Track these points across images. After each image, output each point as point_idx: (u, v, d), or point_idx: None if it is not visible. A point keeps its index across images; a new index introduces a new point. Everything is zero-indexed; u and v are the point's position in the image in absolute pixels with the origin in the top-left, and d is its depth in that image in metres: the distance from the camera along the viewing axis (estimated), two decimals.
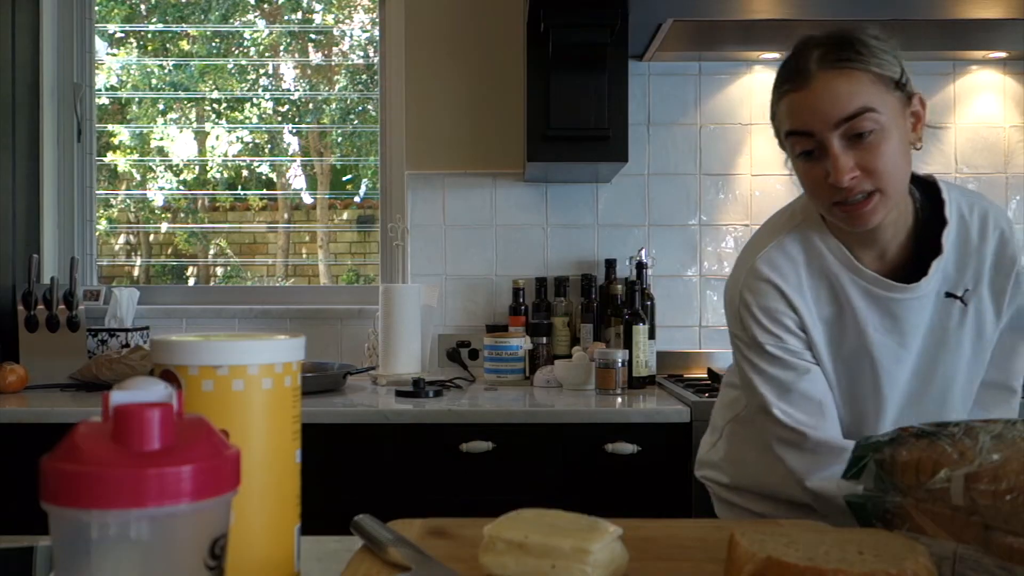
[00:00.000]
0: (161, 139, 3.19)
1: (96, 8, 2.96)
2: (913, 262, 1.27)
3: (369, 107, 3.10)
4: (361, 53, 3.17)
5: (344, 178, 3.28)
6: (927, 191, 1.29)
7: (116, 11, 3.14)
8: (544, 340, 2.65)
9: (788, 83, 1.18)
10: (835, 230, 1.27)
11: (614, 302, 2.57)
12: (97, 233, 2.97)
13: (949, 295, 1.26)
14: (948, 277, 1.27)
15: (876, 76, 1.14)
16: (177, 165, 3.21)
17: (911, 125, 1.20)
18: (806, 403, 1.25)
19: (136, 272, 3.17)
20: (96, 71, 2.97)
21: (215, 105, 3.24)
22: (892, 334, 1.26)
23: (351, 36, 3.20)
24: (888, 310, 1.26)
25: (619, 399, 2.24)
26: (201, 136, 3.21)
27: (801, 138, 1.17)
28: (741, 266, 1.32)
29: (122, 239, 3.24)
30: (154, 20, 3.16)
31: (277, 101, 3.22)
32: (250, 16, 3.26)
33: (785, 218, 1.33)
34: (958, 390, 1.31)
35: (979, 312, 1.28)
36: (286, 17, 3.20)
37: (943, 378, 1.30)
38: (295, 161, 3.24)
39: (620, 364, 2.30)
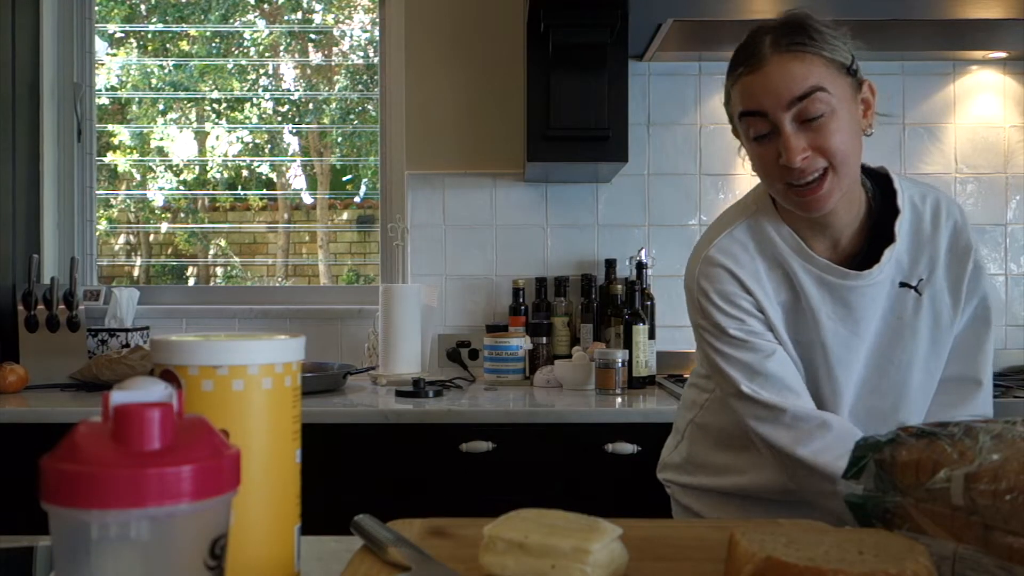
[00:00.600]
0: (161, 139, 3.19)
1: (96, 8, 2.96)
2: (866, 251, 1.29)
3: (369, 107, 3.10)
4: (361, 53, 3.17)
5: (344, 178, 3.28)
6: (879, 182, 1.31)
7: (116, 11, 3.14)
8: (544, 340, 2.65)
9: (742, 66, 1.21)
10: (788, 218, 1.29)
11: (614, 302, 2.57)
12: (97, 233, 2.97)
13: (904, 285, 1.28)
14: (902, 267, 1.28)
15: (827, 60, 1.17)
16: (177, 165, 3.21)
17: (862, 111, 1.22)
18: (776, 382, 1.27)
19: (136, 272, 3.17)
20: (96, 71, 2.97)
21: (215, 105, 3.24)
22: (845, 322, 1.28)
23: (351, 36, 3.20)
24: (841, 298, 1.27)
25: (619, 399, 2.24)
26: (201, 136, 3.21)
27: (755, 119, 1.19)
28: (696, 256, 1.35)
29: (122, 239, 3.24)
30: (154, 20, 3.16)
31: (277, 101, 3.22)
32: (250, 16, 3.26)
33: (738, 209, 1.36)
34: (915, 383, 1.31)
35: (935, 302, 1.29)
36: (286, 17, 3.20)
37: (899, 368, 1.31)
38: (295, 161, 3.24)
39: (620, 364, 2.30)
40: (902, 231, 1.27)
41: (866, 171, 1.31)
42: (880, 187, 1.31)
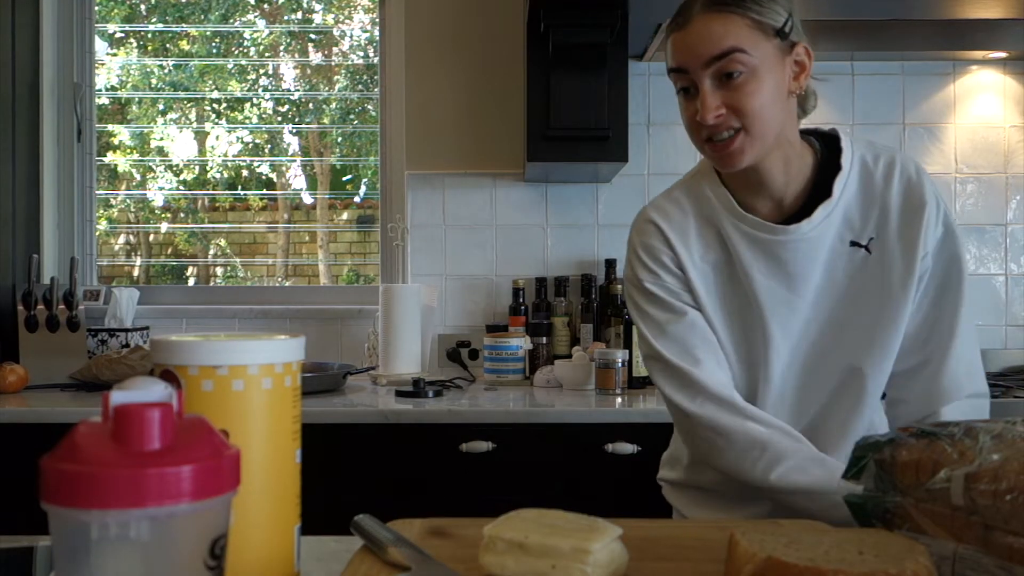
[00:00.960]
0: (161, 139, 3.19)
1: (96, 8, 2.96)
2: (809, 211, 1.27)
3: (369, 107, 3.10)
4: (361, 53, 3.17)
5: (344, 178, 3.28)
6: (830, 143, 1.30)
7: (116, 11, 3.14)
8: (544, 340, 2.65)
9: (673, 23, 1.23)
10: (728, 179, 1.30)
11: (614, 302, 2.57)
12: (97, 233, 2.97)
13: (854, 244, 1.26)
14: (852, 226, 1.26)
15: (753, 21, 1.17)
16: (177, 165, 3.21)
17: (792, 74, 1.22)
18: (680, 346, 1.28)
19: (136, 272, 3.17)
20: (96, 71, 2.97)
21: (215, 105, 3.24)
22: (778, 278, 1.27)
23: (351, 36, 3.20)
24: (773, 254, 1.26)
25: (619, 399, 2.24)
26: (201, 136, 3.21)
27: (679, 75, 1.22)
28: (637, 215, 1.38)
29: (122, 239, 3.24)
30: (154, 20, 3.16)
31: (277, 101, 3.22)
32: (250, 16, 3.26)
33: (687, 173, 1.39)
34: (864, 345, 1.27)
35: (886, 262, 1.26)
36: (286, 17, 3.20)
37: (846, 330, 1.27)
38: (295, 161, 3.24)
39: (620, 364, 2.30)
40: (848, 189, 1.26)
41: (817, 134, 1.31)
42: (830, 148, 1.30)
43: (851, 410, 1.29)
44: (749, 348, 1.31)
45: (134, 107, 3.19)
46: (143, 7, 3.15)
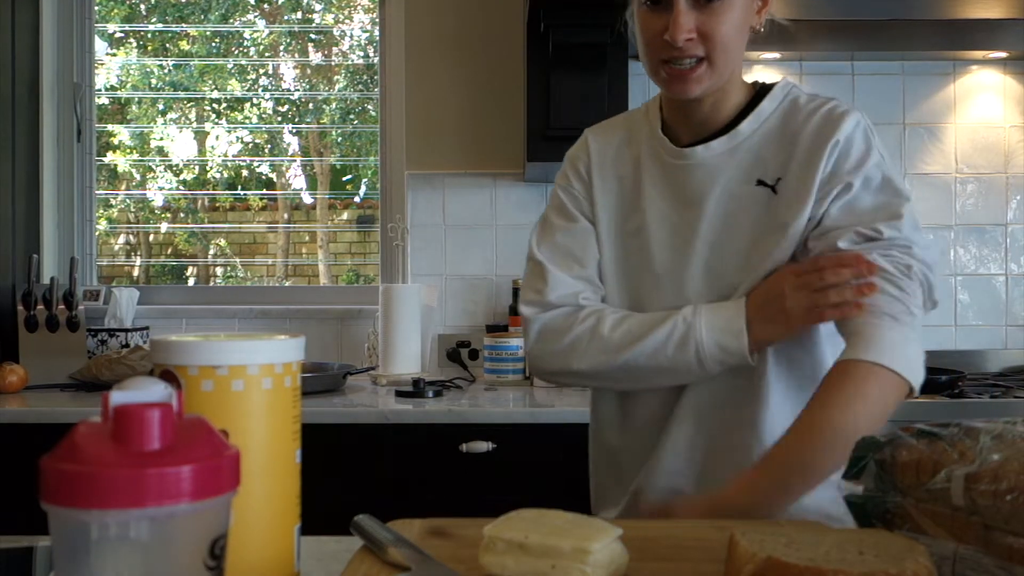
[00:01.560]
0: (161, 139, 3.19)
1: (96, 8, 2.96)
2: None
3: (369, 107, 3.10)
4: (361, 53, 3.17)
5: (344, 178, 3.28)
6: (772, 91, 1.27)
7: (116, 11, 3.14)
8: None
9: None
10: (666, 111, 1.28)
11: None
12: (97, 233, 2.97)
13: (761, 183, 1.20)
14: (764, 165, 1.20)
15: None
16: (177, 165, 3.21)
17: (756, 7, 1.21)
18: (561, 253, 1.28)
19: (136, 272, 3.18)
20: (96, 71, 2.97)
21: (215, 105, 3.24)
22: (669, 200, 1.24)
23: (351, 36, 3.20)
24: (671, 176, 1.24)
25: None
26: (201, 136, 3.21)
27: None
28: None
29: (122, 239, 3.24)
30: (154, 20, 3.16)
31: (277, 101, 3.22)
32: (250, 16, 3.26)
33: None
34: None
35: (790, 203, 1.17)
36: (286, 17, 3.21)
37: (736, 272, 1.19)
38: (295, 161, 3.24)
39: None
40: (765, 129, 1.21)
41: (763, 87, 1.27)
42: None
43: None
44: (631, 274, 1.27)
45: (134, 107, 3.19)
46: (143, 7, 3.15)
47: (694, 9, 1.14)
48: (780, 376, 1.19)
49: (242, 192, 3.24)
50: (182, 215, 3.22)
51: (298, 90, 3.22)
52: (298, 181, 3.29)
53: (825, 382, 1.11)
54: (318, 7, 3.15)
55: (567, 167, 1.34)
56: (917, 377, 1.11)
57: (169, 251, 3.30)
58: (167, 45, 3.20)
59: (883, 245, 1.13)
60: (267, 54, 3.24)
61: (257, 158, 3.19)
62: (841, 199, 1.15)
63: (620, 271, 1.28)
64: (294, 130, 3.19)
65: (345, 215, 3.26)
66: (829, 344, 1.20)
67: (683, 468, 1.22)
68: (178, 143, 3.20)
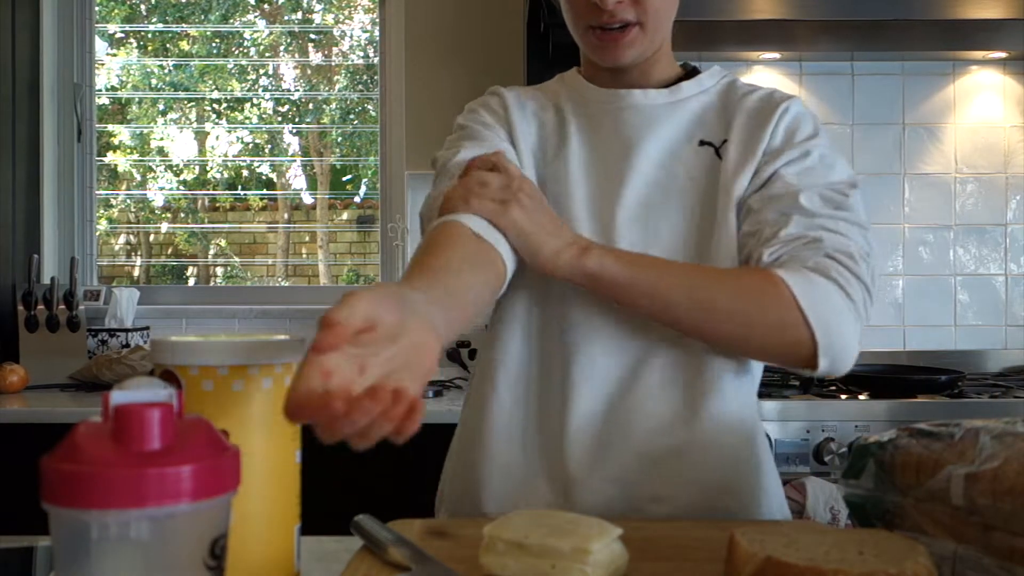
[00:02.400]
0: (161, 139, 3.19)
1: (96, 8, 2.96)
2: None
3: (369, 107, 3.10)
4: (361, 53, 3.17)
5: (344, 178, 3.28)
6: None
7: (116, 11, 3.14)
8: None
9: None
10: (589, 76, 1.19)
11: None
12: (97, 233, 2.97)
13: (705, 143, 1.10)
14: (706, 126, 1.11)
15: None
16: (177, 165, 3.21)
17: None
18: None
19: (136, 272, 3.18)
20: (96, 71, 2.97)
21: (215, 105, 3.25)
22: (596, 147, 1.12)
23: (351, 36, 3.20)
24: (599, 120, 1.14)
25: None
26: (201, 136, 3.21)
27: None
28: None
29: (122, 239, 3.24)
30: (154, 20, 3.16)
31: (277, 101, 3.22)
32: (250, 16, 3.26)
33: None
34: (681, 252, 1.07)
35: (735, 168, 1.08)
36: (286, 17, 3.21)
37: (667, 233, 1.07)
38: (295, 161, 3.24)
39: None
40: (705, 97, 1.14)
41: (695, 67, 1.19)
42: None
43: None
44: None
45: (134, 107, 3.19)
46: (143, 7, 3.15)
47: None
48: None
49: (242, 192, 3.24)
50: (182, 215, 3.22)
51: (298, 90, 3.22)
52: (298, 181, 3.29)
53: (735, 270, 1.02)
54: (318, 7, 3.15)
55: (476, 104, 1.20)
56: (832, 349, 0.96)
57: (169, 251, 3.30)
58: (167, 45, 3.20)
59: (848, 217, 1.03)
60: (267, 54, 3.24)
61: (257, 158, 3.19)
62: (798, 164, 1.06)
63: None
64: (294, 130, 3.19)
65: (345, 215, 3.26)
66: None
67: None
68: (178, 143, 3.20)
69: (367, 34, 3.13)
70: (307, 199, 3.28)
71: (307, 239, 3.24)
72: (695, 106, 1.13)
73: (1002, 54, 2.70)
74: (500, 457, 1.09)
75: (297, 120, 3.20)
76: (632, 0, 1.06)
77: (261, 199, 3.28)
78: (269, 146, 3.18)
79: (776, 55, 2.65)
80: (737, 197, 1.06)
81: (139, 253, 3.25)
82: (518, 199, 0.97)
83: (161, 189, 3.21)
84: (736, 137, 1.09)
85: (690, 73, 1.18)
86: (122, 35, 3.19)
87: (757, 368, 1.12)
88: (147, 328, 2.69)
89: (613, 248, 1.02)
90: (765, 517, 1.05)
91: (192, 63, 3.14)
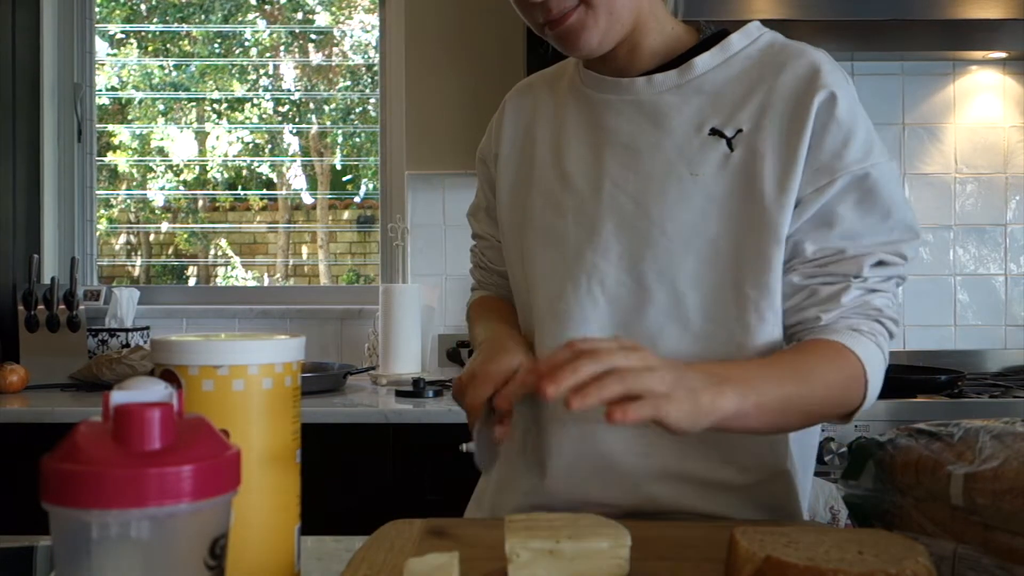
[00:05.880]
0: (161, 139, 3.19)
1: (96, 9, 2.96)
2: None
3: (369, 107, 3.10)
4: (362, 53, 3.17)
5: (344, 178, 3.28)
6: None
7: (117, 12, 3.14)
8: None
9: None
10: (587, 65, 1.08)
11: None
12: (97, 233, 2.97)
13: (715, 132, 0.96)
14: (721, 109, 0.98)
15: None
16: (177, 165, 3.21)
17: None
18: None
19: (136, 272, 3.18)
20: (97, 72, 2.97)
21: (215, 105, 3.25)
22: (594, 149, 1.02)
23: (351, 36, 3.20)
24: (591, 113, 1.04)
25: None
26: (201, 136, 3.21)
27: None
28: None
29: (122, 239, 3.24)
30: (155, 21, 3.16)
31: (277, 101, 3.22)
32: (250, 16, 3.26)
33: None
34: (695, 260, 0.96)
35: (752, 164, 0.95)
36: (287, 17, 3.21)
37: (674, 239, 0.96)
38: (295, 161, 3.24)
39: None
40: (724, 70, 1.00)
41: (721, 30, 1.06)
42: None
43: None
44: (541, 233, 1.06)
45: (134, 107, 3.19)
46: (143, 7, 3.15)
47: None
48: None
49: (242, 192, 3.24)
50: (182, 215, 3.22)
51: (298, 90, 3.22)
52: (298, 181, 3.29)
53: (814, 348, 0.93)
54: (318, 8, 3.15)
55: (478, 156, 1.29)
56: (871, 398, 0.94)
57: (170, 251, 3.30)
58: (168, 46, 3.20)
59: (900, 273, 0.96)
60: (267, 54, 3.24)
61: (257, 158, 3.20)
62: (854, 194, 0.94)
63: (523, 234, 1.09)
64: (294, 130, 3.19)
65: (345, 215, 3.26)
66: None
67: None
68: (178, 143, 3.20)
69: (367, 34, 3.13)
70: (307, 199, 3.28)
71: (307, 239, 3.24)
72: (711, 84, 0.99)
73: (1002, 54, 2.70)
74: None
75: (297, 120, 3.20)
76: None
77: (261, 199, 3.28)
78: (269, 146, 3.18)
79: None
80: (779, 228, 0.94)
81: (139, 253, 3.25)
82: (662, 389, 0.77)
83: (161, 189, 3.21)
84: (770, 136, 0.95)
85: (710, 39, 1.03)
86: (123, 36, 3.19)
87: None
88: (147, 328, 2.69)
89: (736, 376, 0.85)
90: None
91: (192, 64, 3.14)
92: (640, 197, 0.98)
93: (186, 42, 3.18)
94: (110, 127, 3.12)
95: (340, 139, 3.23)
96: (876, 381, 0.94)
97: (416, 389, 2.25)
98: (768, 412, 0.85)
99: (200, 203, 3.25)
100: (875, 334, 0.94)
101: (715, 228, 0.95)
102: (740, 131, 0.96)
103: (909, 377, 2.27)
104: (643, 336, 0.95)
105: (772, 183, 0.94)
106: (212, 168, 3.20)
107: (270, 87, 3.25)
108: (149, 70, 3.16)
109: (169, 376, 0.66)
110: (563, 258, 1.01)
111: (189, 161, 3.20)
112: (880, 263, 0.95)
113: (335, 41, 3.22)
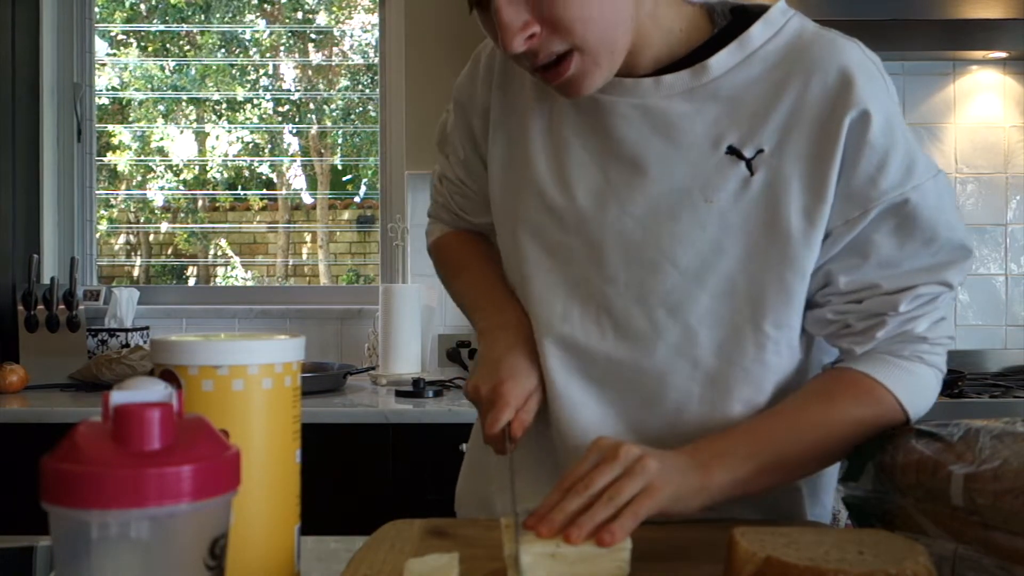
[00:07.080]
0: (161, 139, 3.19)
1: (97, 9, 2.96)
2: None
3: (369, 107, 3.10)
4: (362, 53, 3.17)
5: (344, 178, 3.28)
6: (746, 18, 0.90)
7: (117, 13, 3.14)
8: None
9: None
10: None
11: None
12: (97, 233, 2.97)
13: (732, 152, 0.86)
14: (739, 120, 0.87)
15: None
16: (177, 165, 3.21)
17: None
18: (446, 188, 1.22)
19: (136, 272, 3.18)
20: (97, 72, 2.97)
21: (215, 105, 3.25)
22: (600, 160, 0.91)
23: (351, 36, 3.20)
24: (592, 119, 0.92)
25: None
26: (201, 136, 3.21)
27: None
28: None
29: (122, 239, 3.24)
30: (155, 21, 3.16)
31: (277, 101, 3.22)
32: (250, 17, 3.26)
33: None
34: (707, 300, 0.88)
35: (774, 190, 0.86)
36: (287, 17, 3.21)
37: (686, 273, 0.88)
38: (295, 161, 3.24)
39: None
40: (752, 62, 0.87)
41: (744, 9, 0.91)
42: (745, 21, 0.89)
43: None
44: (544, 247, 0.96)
45: (135, 107, 3.19)
46: (143, 7, 3.15)
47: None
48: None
49: (242, 192, 3.24)
50: (182, 215, 3.23)
51: (298, 90, 3.22)
52: (298, 181, 3.29)
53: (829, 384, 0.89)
54: (319, 8, 3.15)
55: (455, 89, 1.14)
56: (917, 416, 0.90)
57: (169, 251, 3.30)
58: (168, 46, 3.20)
59: (947, 295, 0.89)
60: (267, 54, 3.24)
61: (257, 158, 3.20)
62: (891, 221, 0.85)
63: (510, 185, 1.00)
64: (294, 130, 3.19)
65: (345, 215, 3.26)
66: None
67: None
68: (178, 143, 3.20)
69: (367, 34, 3.13)
70: (307, 199, 3.28)
71: (307, 239, 3.24)
72: (728, 88, 0.87)
73: (1002, 54, 2.70)
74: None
75: (297, 120, 3.20)
76: (550, 31, 0.81)
77: (261, 199, 3.28)
78: (269, 146, 3.18)
79: None
80: (805, 262, 0.87)
81: (139, 253, 3.25)
82: (643, 483, 0.76)
83: (161, 189, 3.21)
84: (795, 158, 0.85)
85: (726, 32, 0.89)
86: (123, 36, 3.19)
87: None
88: (147, 328, 2.69)
89: (721, 450, 0.83)
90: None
91: (192, 64, 3.14)
92: (649, 224, 0.89)
93: (186, 43, 3.18)
94: (110, 127, 3.12)
95: (340, 139, 3.23)
96: (919, 400, 0.89)
97: (416, 389, 2.25)
98: (773, 472, 0.85)
99: (200, 203, 3.25)
100: (920, 355, 0.89)
101: (731, 262, 0.87)
102: (761, 151, 0.86)
103: None
104: (652, 373, 0.90)
105: (798, 214, 0.85)
106: (212, 168, 3.20)
107: (270, 87, 3.25)
108: (149, 72, 3.16)
109: (169, 376, 0.66)
110: (565, 277, 0.94)
111: (189, 161, 3.20)
112: (923, 297, 0.87)
113: (335, 41, 3.22)
